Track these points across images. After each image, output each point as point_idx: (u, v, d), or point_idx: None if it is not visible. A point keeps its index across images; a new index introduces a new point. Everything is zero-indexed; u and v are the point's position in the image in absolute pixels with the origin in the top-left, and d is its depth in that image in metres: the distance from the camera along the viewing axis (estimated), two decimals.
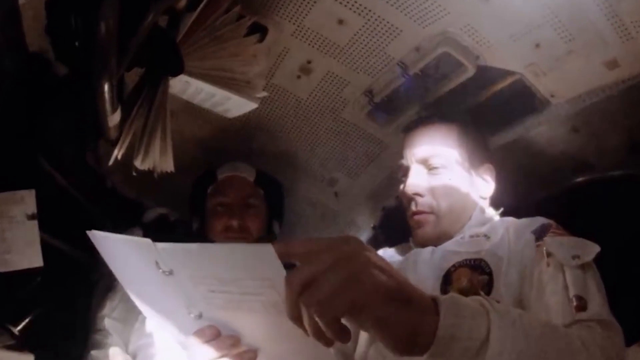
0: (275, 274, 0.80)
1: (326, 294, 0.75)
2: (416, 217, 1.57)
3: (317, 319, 0.76)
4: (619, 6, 1.41)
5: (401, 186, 1.61)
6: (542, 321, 1.01)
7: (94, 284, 1.86)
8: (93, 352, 1.73)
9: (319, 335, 0.78)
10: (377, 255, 0.83)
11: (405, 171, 1.61)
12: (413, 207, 1.57)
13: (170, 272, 0.91)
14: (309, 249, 0.81)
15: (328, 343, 0.80)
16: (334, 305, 0.75)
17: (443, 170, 1.55)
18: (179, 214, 2.10)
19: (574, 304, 1.22)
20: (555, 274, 1.30)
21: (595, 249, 1.31)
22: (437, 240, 1.55)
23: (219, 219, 1.97)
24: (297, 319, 0.79)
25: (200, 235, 2.00)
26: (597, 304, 1.23)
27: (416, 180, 1.56)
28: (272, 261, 0.78)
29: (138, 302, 1.05)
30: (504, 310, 0.90)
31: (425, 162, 1.57)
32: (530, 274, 1.35)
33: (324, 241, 0.81)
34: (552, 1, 1.48)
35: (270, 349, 1.01)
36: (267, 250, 0.78)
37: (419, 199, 1.55)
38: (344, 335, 0.78)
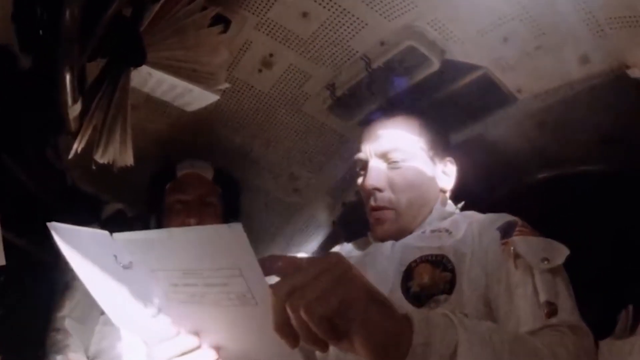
0: (244, 260, 0.78)
1: (315, 295, 0.75)
2: (375, 213, 1.56)
3: (306, 318, 0.75)
4: (592, 2, 1.41)
5: (359, 180, 1.59)
6: (511, 335, 1.03)
7: (55, 282, 1.80)
8: (58, 358, 1.68)
9: (310, 338, 0.78)
10: (356, 269, 0.85)
11: (363, 165, 1.59)
12: (372, 202, 1.55)
13: (129, 266, 0.88)
14: (292, 265, 0.82)
15: (323, 348, 0.80)
16: (323, 303, 0.76)
17: (402, 164, 1.54)
18: (137, 209, 2.06)
19: (545, 310, 1.21)
20: (524, 277, 1.29)
21: (565, 251, 1.31)
22: (397, 235, 1.54)
23: (177, 216, 1.95)
24: (282, 327, 0.78)
25: None
26: (567, 309, 1.23)
27: (375, 175, 1.54)
28: (242, 243, 0.77)
29: (98, 299, 1.01)
30: (472, 326, 0.92)
31: (384, 157, 1.55)
32: (497, 274, 1.34)
33: (307, 259, 0.87)
34: None
35: (232, 346, 0.99)
36: (237, 231, 0.76)
37: (378, 194, 1.54)
38: (336, 334, 0.78)
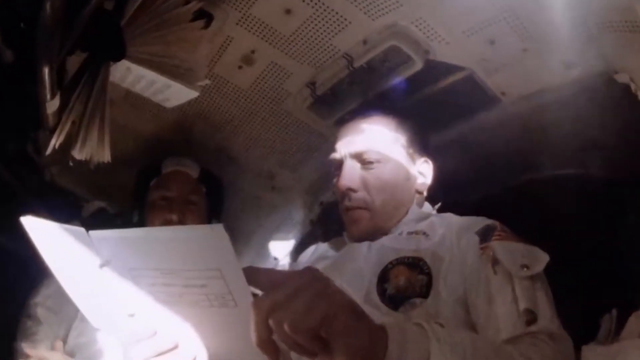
0: (225, 261, 0.78)
1: (298, 309, 0.78)
2: (350, 213, 1.54)
3: (290, 333, 0.76)
4: (583, 6, 1.41)
5: (334, 180, 1.58)
6: (486, 345, 1.05)
7: (34, 276, 1.77)
8: (23, 344, 1.65)
9: (297, 350, 0.80)
10: (333, 284, 0.86)
11: (337, 165, 1.58)
12: (346, 203, 1.54)
13: (106, 264, 0.86)
14: (271, 280, 0.83)
15: (311, 356, 0.81)
16: (307, 318, 0.77)
17: (377, 165, 1.53)
18: (116, 206, 2.04)
19: (524, 318, 1.21)
20: (504, 284, 1.28)
21: (544, 258, 1.30)
22: (373, 235, 1.53)
23: (159, 212, 1.93)
24: (264, 343, 0.79)
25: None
26: (547, 316, 1.23)
27: (349, 176, 1.53)
28: (224, 244, 0.76)
29: (73, 297, 0.99)
30: (445, 337, 0.93)
31: (358, 157, 1.54)
32: (476, 279, 1.33)
33: (285, 273, 0.86)
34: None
35: (210, 347, 0.97)
36: (219, 232, 0.75)
37: (352, 195, 1.52)
38: (320, 346, 0.79)
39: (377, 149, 1.54)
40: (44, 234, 0.90)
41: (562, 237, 1.61)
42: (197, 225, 0.72)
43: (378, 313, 1.30)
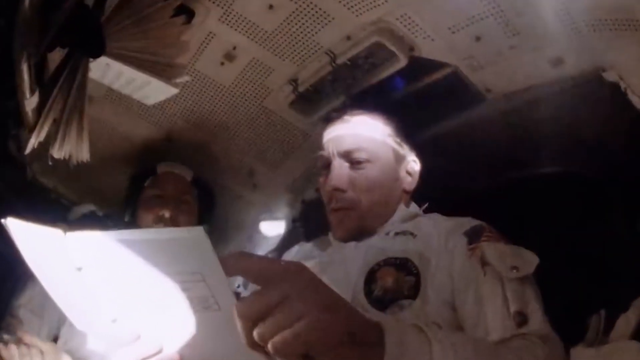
0: (207, 264, 0.75)
1: (281, 333, 0.73)
2: (337, 213, 1.52)
3: (277, 353, 0.74)
4: (572, 4, 1.40)
5: (321, 179, 1.56)
6: (484, 345, 1.05)
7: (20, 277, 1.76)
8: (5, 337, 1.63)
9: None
10: (326, 288, 0.83)
11: (325, 163, 1.55)
12: (334, 203, 1.51)
13: (84, 268, 0.83)
14: (262, 271, 0.78)
15: None
16: (289, 347, 0.74)
17: (366, 164, 1.50)
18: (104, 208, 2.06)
19: (515, 320, 1.20)
20: (494, 286, 1.27)
21: (534, 260, 1.29)
22: (359, 235, 1.50)
23: (152, 209, 1.94)
24: (255, 345, 0.76)
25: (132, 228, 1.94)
26: (537, 318, 1.22)
27: (338, 176, 1.50)
28: (204, 249, 0.73)
29: (56, 300, 0.93)
30: (445, 338, 0.90)
31: (347, 156, 1.51)
32: (465, 280, 1.32)
33: (277, 266, 0.79)
34: None
35: (194, 352, 0.93)
36: (199, 235, 0.72)
37: (340, 195, 1.50)
38: None
39: (366, 147, 1.51)
40: (25, 235, 0.87)
41: (548, 235, 1.60)
42: (177, 228, 0.70)
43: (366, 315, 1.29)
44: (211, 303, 0.78)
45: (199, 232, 0.72)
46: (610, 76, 1.43)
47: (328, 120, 1.64)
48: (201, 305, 0.79)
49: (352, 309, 0.85)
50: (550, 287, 1.30)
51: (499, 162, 1.89)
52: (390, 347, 0.83)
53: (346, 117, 1.57)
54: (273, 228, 2.20)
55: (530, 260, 1.29)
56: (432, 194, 1.63)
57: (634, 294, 1.31)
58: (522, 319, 1.20)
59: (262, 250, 2.17)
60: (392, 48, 1.66)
